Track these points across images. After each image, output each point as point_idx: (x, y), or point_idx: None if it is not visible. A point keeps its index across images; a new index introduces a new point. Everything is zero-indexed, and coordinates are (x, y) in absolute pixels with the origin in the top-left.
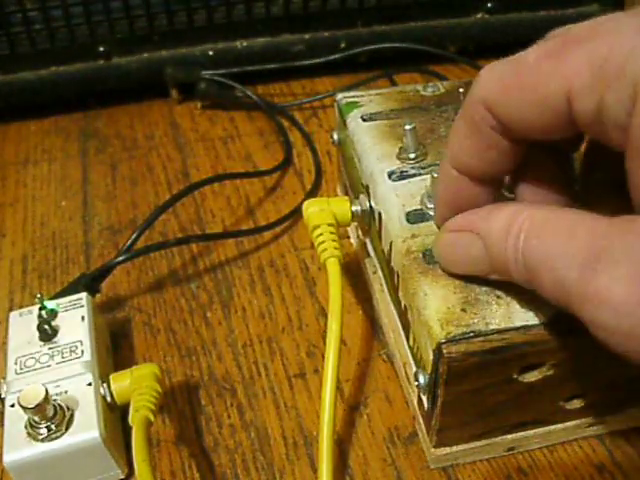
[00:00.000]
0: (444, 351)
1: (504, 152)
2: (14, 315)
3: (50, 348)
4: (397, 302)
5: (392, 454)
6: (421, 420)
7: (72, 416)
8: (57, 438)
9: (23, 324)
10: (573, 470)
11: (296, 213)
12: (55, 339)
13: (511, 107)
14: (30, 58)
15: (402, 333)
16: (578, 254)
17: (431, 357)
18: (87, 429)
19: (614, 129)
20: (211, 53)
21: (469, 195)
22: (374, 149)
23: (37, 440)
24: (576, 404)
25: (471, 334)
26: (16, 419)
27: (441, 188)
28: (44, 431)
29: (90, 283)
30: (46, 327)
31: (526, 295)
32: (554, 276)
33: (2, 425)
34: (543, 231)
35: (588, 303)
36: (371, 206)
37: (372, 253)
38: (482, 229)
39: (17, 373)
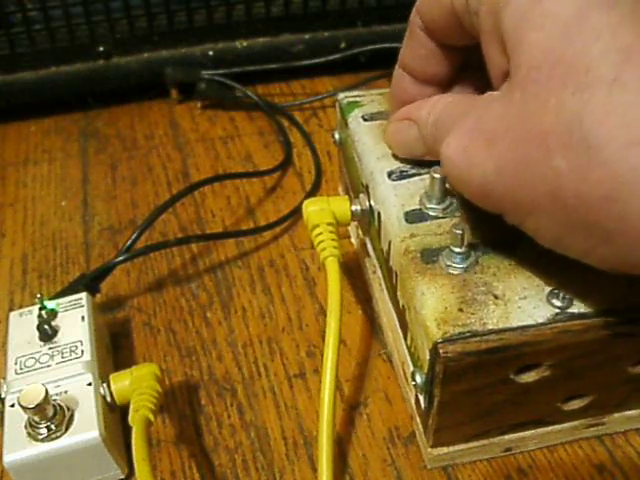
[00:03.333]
0: (440, 351)
1: (433, 53)
2: (14, 315)
3: (50, 348)
4: (395, 302)
5: (392, 454)
6: (418, 420)
7: (72, 416)
8: (57, 438)
9: (23, 324)
10: (573, 470)
11: (296, 213)
12: (55, 339)
13: (427, 11)
14: (30, 58)
15: (400, 333)
16: (453, 118)
17: (428, 357)
18: (87, 429)
19: (475, 17)
20: (211, 53)
21: (413, 93)
22: (374, 149)
23: (37, 440)
24: (574, 405)
25: (468, 334)
26: (16, 419)
27: (392, 87)
28: (44, 431)
29: (90, 283)
30: (46, 327)
31: (524, 295)
32: (439, 139)
33: (2, 425)
34: (442, 112)
35: (444, 159)
36: (371, 205)
37: (372, 253)
38: (415, 116)
39: (17, 373)
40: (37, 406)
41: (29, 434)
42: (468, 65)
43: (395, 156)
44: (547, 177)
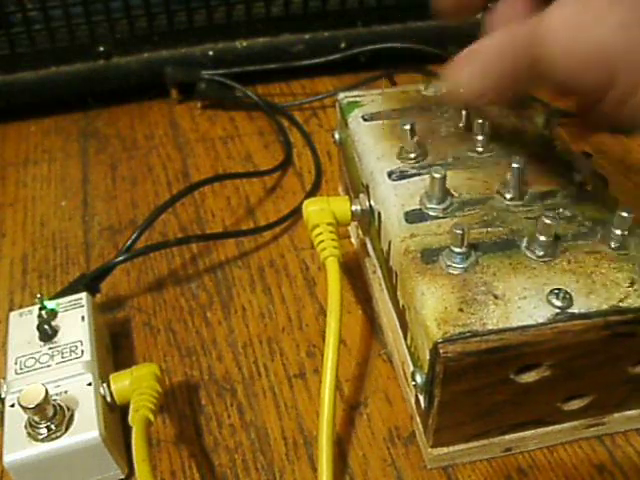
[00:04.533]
0: (440, 351)
1: None
2: (14, 315)
3: (50, 348)
4: (395, 301)
5: (392, 454)
6: (418, 420)
7: (72, 416)
8: (57, 438)
9: (23, 324)
10: (573, 470)
11: (296, 213)
12: (55, 339)
13: None
14: (30, 58)
15: (400, 333)
16: (537, 17)
17: (428, 357)
18: (87, 429)
19: None
20: (211, 53)
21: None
22: (374, 149)
23: (37, 440)
24: (574, 405)
25: (468, 334)
26: (16, 419)
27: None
28: (44, 431)
29: (90, 283)
30: (46, 327)
31: (524, 295)
32: (521, 43)
33: (2, 425)
34: (514, 29)
35: (540, 39)
36: (371, 205)
37: (372, 253)
38: (481, 47)
39: (17, 373)
40: (37, 406)
41: (29, 434)
42: None
43: (395, 156)
44: None
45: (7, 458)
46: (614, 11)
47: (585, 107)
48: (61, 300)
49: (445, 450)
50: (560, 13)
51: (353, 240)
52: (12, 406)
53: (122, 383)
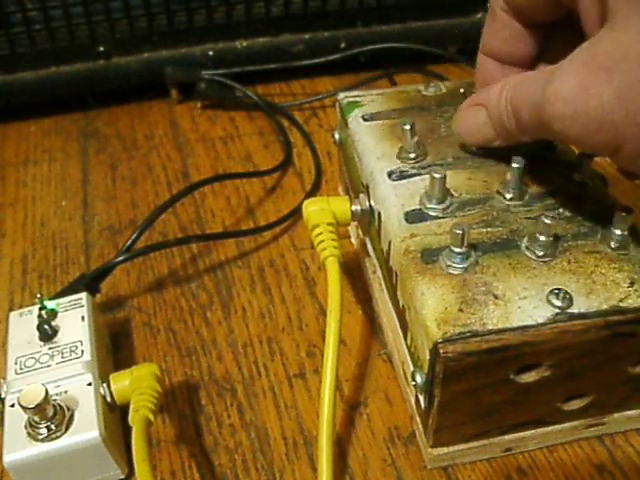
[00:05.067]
0: (440, 351)
1: (517, 34)
2: (14, 315)
3: (50, 348)
4: (395, 302)
5: (392, 454)
6: (418, 420)
7: (72, 416)
8: (57, 438)
9: (23, 324)
10: (573, 470)
11: (296, 213)
12: (55, 339)
13: None
14: (30, 58)
15: (400, 333)
16: (541, 79)
17: (428, 357)
18: (87, 429)
19: None
20: (211, 53)
21: (498, 76)
22: (374, 149)
23: (37, 440)
24: (574, 405)
25: (468, 334)
26: (16, 419)
27: (477, 74)
28: (44, 431)
29: (90, 283)
30: (46, 327)
31: (524, 295)
32: (528, 102)
33: (2, 425)
34: (520, 83)
35: (548, 104)
36: (371, 205)
37: (372, 253)
38: (484, 99)
39: (17, 373)
40: (37, 406)
41: (29, 434)
42: (550, 45)
43: (395, 156)
44: None
45: (7, 458)
46: (612, 81)
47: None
48: (61, 300)
49: (445, 450)
50: (568, 80)
51: (353, 240)
52: (12, 406)
53: (122, 383)
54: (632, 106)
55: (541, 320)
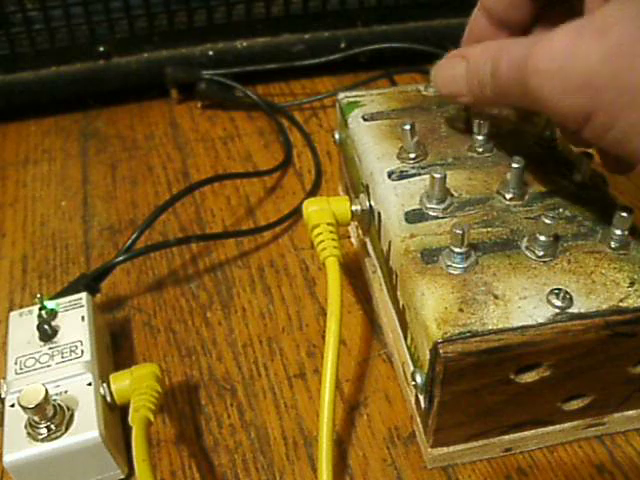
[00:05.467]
0: (440, 351)
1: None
2: (14, 315)
3: (50, 348)
4: (395, 302)
5: (392, 454)
6: (418, 420)
7: (72, 416)
8: (57, 438)
9: (23, 324)
10: (573, 470)
11: (296, 213)
12: (55, 339)
13: None
14: (30, 58)
15: (400, 333)
16: (530, 40)
17: (428, 357)
18: (87, 429)
19: None
20: (211, 53)
21: (487, 35)
22: (374, 149)
23: (37, 440)
24: (574, 405)
25: (468, 334)
26: (16, 419)
27: (468, 27)
28: (44, 431)
29: (90, 283)
30: (46, 327)
31: (524, 295)
32: (511, 56)
33: (2, 425)
34: (508, 42)
35: (532, 58)
36: (371, 205)
37: (372, 253)
38: (468, 53)
39: (17, 373)
40: (37, 406)
41: (29, 434)
42: (545, 20)
43: (395, 156)
44: None
45: (7, 458)
46: (602, 43)
47: (567, 131)
48: (61, 300)
49: (445, 450)
50: (558, 39)
51: (353, 240)
52: (12, 406)
53: (122, 383)
54: (618, 69)
55: (541, 320)
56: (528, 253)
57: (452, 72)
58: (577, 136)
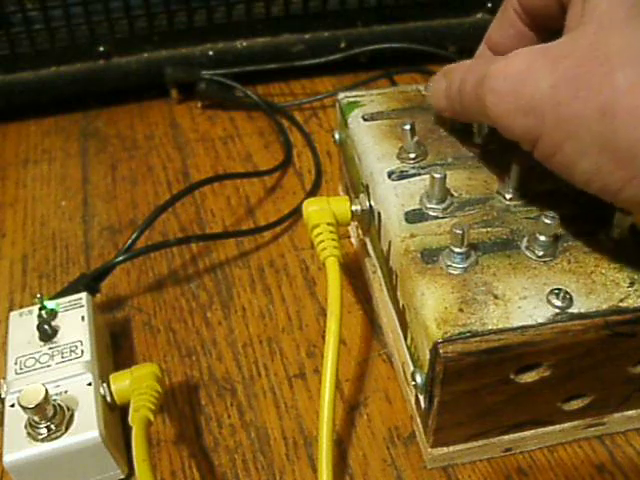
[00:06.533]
0: (440, 351)
1: (521, 34)
2: (14, 315)
3: (50, 348)
4: (395, 302)
5: (392, 454)
6: (418, 420)
7: (72, 416)
8: (57, 438)
9: (23, 324)
10: (573, 470)
11: (296, 213)
12: (55, 339)
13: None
14: (30, 58)
15: (400, 333)
16: (494, 60)
17: (428, 357)
18: (87, 429)
19: None
20: (211, 53)
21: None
22: (374, 149)
23: (37, 440)
24: (574, 405)
25: (468, 334)
26: (16, 419)
27: (475, 57)
28: (44, 431)
29: (90, 283)
30: (46, 327)
31: (524, 295)
32: (475, 76)
33: (2, 425)
34: (479, 62)
35: (489, 78)
36: (371, 205)
37: (372, 253)
38: (450, 71)
39: (17, 373)
40: (37, 406)
41: (29, 434)
42: None
43: (395, 156)
44: (603, 91)
45: (7, 458)
46: (553, 72)
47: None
48: (61, 300)
49: (445, 450)
50: (510, 63)
51: (353, 240)
52: (12, 406)
53: (122, 383)
54: (563, 98)
55: (541, 320)
56: (528, 253)
57: (437, 87)
58: (534, 155)
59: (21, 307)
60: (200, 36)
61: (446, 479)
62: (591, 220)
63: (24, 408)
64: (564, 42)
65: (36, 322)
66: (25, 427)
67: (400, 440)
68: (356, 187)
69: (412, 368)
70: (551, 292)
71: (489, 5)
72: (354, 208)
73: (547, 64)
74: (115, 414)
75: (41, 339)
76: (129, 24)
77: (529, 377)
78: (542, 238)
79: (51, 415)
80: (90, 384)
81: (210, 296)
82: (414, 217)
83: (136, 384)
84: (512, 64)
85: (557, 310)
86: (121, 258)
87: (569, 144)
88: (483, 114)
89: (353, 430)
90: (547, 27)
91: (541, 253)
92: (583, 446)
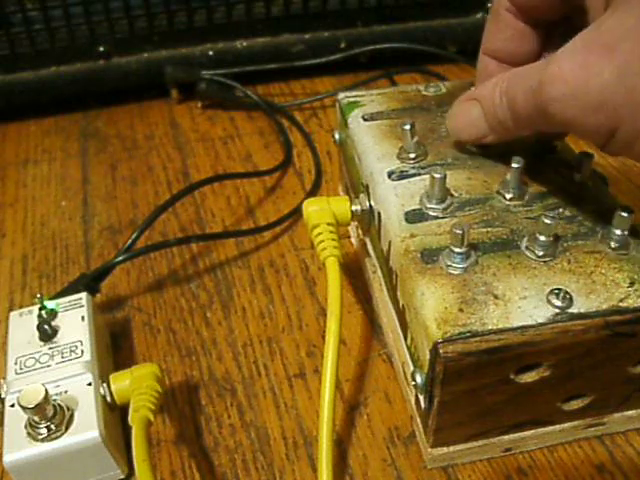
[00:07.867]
0: (440, 351)
1: (520, 33)
2: (14, 315)
3: (50, 348)
4: (395, 302)
5: (392, 454)
6: (418, 420)
7: (72, 416)
8: (57, 438)
9: (23, 324)
10: (573, 470)
11: (296, 213)
12: (55, 339)
13: None
14: (30, 58)
15: (400, 333)
16: (537, 67)
17: (428, 357)
18: (87, 429)
19: None
20: (211, 53)
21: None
22: (374, 149)
23: (37, 440)
24: (574, 405)
25: (468, 334)
26: (16, 419)
27: (477, 74)
28: (44, 431)
29: (90, 283)
30: (46, 327)
31: (524, 295)
32: (524, 89)
33: (2, 425)
34: (515, 74)
35: (546, 86)
36: (371, 205)
37: (372, 253)
38: (478, 94)
39: (17, 373)
40: (37, 406)
41: (29, 434)
42: (550, 45)
43: (395, 156)
44: None
45: (7, 458)
46: (612, 60)
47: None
48: (61, 300)
49: (445, 450)
50: (563, 65)
51: (353, 240)
52: (12, 406)
53: (122, 383)
54: (633, 84)
55: (541, 320)
56: (528, 253)
57: (469, 117)
58: (605, 149)
59: (21, 307)
60: (200, 36)
61: (446, 479)
62: (591, 220)
63: (24, 408)
64: (608, 26)
65: (36, 322)
66: (25, 427)
67: (400, 440)
68: (356, 187)
69: (412, 368)
70: (551, 292)
71: (489, 5)
72: (354, 208)
73: (603, 54)
74: (115, 414)
75: (41, 339)
76: (129, 24)
77: (529, 377)
78: (542, 238)
79: (51, 415)
80: (90, 384)
81: (210, 296)
82: (414, 217)
83: (136, 384)
84: (565, 66)
85: (557, 310)
86: (121, 258)
87: None
88: (547, 123)
89: (353, 430)
90: (544, 19)
91: (541, 253)
92: (583, 446)
